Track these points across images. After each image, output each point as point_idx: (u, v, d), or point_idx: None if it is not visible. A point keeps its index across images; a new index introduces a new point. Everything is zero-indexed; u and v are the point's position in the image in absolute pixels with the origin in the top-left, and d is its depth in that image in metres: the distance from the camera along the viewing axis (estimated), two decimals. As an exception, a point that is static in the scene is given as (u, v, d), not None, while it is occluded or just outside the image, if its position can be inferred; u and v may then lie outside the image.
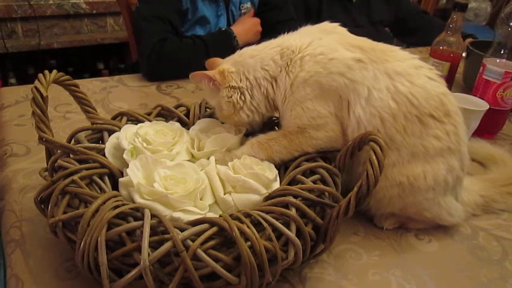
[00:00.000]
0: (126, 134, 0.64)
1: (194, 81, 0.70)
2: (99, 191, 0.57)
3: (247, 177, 0.58)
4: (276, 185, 0.60)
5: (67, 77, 0.66)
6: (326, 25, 0.71)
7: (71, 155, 0.61)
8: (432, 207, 0.66)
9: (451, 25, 1.08)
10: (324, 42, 0.66)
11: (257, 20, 1.39)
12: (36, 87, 0.58)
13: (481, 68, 1.01)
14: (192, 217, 0.53)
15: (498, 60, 0.99)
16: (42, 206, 0.57)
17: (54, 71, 0.64)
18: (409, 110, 0.63)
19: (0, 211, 0.70)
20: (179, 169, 0.59)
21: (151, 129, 0.67)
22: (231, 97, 0.67)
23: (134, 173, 0.57)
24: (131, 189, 0.56)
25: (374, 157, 0.52)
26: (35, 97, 0.58)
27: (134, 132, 0.65)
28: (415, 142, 0.63)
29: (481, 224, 0.72)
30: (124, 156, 0.61)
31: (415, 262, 0.63)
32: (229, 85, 0.67)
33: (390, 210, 0.67)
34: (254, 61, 0.67)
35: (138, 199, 0.54)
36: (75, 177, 0.55)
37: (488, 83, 0.99)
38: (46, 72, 0.62)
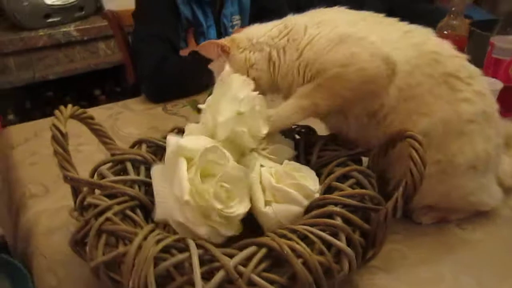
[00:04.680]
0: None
1: (202, 51, 0.71)
2: (133, 225, 0.55)
3: (290, 188, 0.56)
4: (317, 195, 0.58)
5: (82, 110, 0.64)
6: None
7: (98, 191, 0.59)
8: (476, 190, 0.64)
9: (453, 8, 1.07)
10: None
11: (255, 28, 1.38)
12: (55, 125, 0.57)
13: (489, 47, 1.00)
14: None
15: (505, 38, 0.98)
16: (77, 248, 0.55)
17: (69, 105, 0.62)
18: (434, 67, 0.61)
19: (29, 257, 0.68)
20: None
21: None
22: (241, 53, 0.68)
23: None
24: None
25: (415, 154, 0.51)
26: (54, 135, 0.56)
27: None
28: (444, 108, 0.61)
29: (519, 205, 0.71)
30: None
31: (464, 252, 0.62)
32: (238, 45, 0.69)
33: (431, 200, 0.64)
34: (262, 30, 0.70)
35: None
36: (109, 214, 0.53)
37: (499, 62, 0.98)
38: (62, 107, 0.60)
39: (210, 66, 0.72)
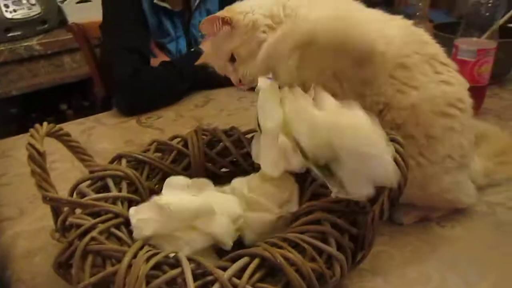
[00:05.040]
0: None
1: (204, 30, 0.68)
2: (119, 243, 0.54)
3: (261, 196, 0.57)
4: (292, 205, 0.58)
5: (59, 127, 0.63)
6: None
7: (79, 210, 0.57)
8: (452, 186, 0.66)
9: (417, 13, 1.10)
10: None
11: (224, 34, 1.38)
12: (31, 144, 0.55)
13: (454, 49, 1.04)
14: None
15: (469, 39, 1.02)
16: (62, 270, 0.53)
17: (45, 123, 0.60)
18: (420, 46, 0.64)
19: (6, 283, 0.65)
20: None
21: None
22: (244, 17, 0.65)
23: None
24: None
25: (398, 156, 0.52)
26: (31, 155, 0.54)
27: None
28: (431, 85, 0.63)
29: (494, 200, 0.74)
30: None
31: (447, 250, 0.63)
32: (238, 12, 0.66)
33: (410, 192, 0.60)
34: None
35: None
36: (94, 233, 0.51)
37: (464, 63, 1.01)
38: (38, 126, 0.59)
39: (206, 59, 0.71)
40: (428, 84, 0.63)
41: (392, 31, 0.64)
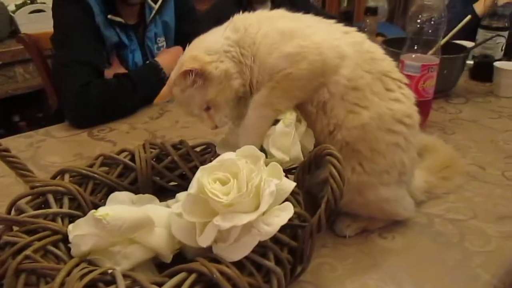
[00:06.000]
0: None
1: (178, 85, 0.67)
2: (56, 261, 0.53)
3: None
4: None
5: (-5, 142, 0.61)
6: None
7: (16, 227, 0.56)
8: (391, 198, 0.68)
9: (366, 29, 1.14)
10: None
11: (179, 48, 1.38)
12: (-38, 161, 0.53)
13: (400, 65, 1.08)
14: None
15: (413, 55, 1.06)
16: (-6, 291, 0.51)
17: (-20, 139, 0.58)
18: (371, 65, 0.65)
19: None
20: None
21: None
22: (216, 68, 0.64)
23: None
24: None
25: (334, 170, 0.53)
26: (-37, 173, 0.53)
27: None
28: (380, 104, 0.65)
29: (434, 211, 0.77)
30: None
31: (386, 261, 0.65)
32: (206, 62, 0.64)
33: (350, 199, 0.66)
34: (214, 36, 0.68)
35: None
36: (28, 251, 0.50)
37: (409, 78, 1.04)
38: (-29, 142, 0.57)
39: (177, 105, 0.71)
40: (379, 102, 0.65)
41: (347, 49, 0.65)
